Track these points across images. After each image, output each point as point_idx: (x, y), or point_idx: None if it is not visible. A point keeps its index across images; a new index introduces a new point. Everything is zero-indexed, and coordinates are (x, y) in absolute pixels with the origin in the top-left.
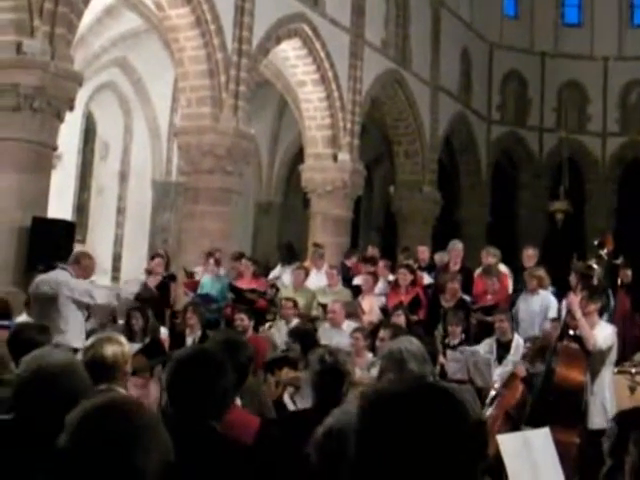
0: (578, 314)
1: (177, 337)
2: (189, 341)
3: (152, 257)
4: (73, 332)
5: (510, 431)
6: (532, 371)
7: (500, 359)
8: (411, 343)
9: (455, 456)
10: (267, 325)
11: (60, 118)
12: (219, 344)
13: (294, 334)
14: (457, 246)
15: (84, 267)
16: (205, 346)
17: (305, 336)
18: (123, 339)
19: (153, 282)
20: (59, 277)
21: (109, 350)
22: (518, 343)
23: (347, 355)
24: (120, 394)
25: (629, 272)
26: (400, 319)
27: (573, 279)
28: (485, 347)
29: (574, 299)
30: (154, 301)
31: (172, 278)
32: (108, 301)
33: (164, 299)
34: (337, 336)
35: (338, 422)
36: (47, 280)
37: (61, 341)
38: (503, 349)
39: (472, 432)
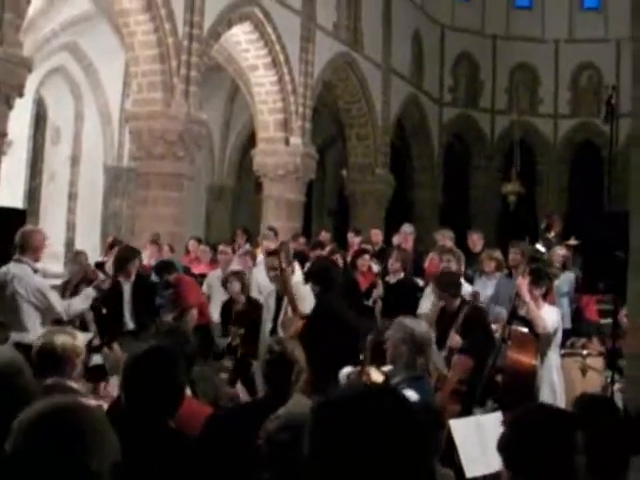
0: (527, 297)
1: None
2: (126, 288)
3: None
4: (34, 329)
5: (461, 409)
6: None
7: None
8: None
9: (404, 458)
10: None
11: (9, 105)
12: (164, 335)
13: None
14: (406, 230)
15: (36, 247)
16: (160, 343)
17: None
18: (78, 334)
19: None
20: (14, 271)
21: (59, 340)
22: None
23: (295, 344)
24: (66, 397)
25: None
26: None
27: (513, 258)
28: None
29: (523, 283)
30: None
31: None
32: (62, 310)
33: None
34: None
35: (290, 414)
36: (3, 275)
37: (20, 339)
38: None
39: (419, 434)
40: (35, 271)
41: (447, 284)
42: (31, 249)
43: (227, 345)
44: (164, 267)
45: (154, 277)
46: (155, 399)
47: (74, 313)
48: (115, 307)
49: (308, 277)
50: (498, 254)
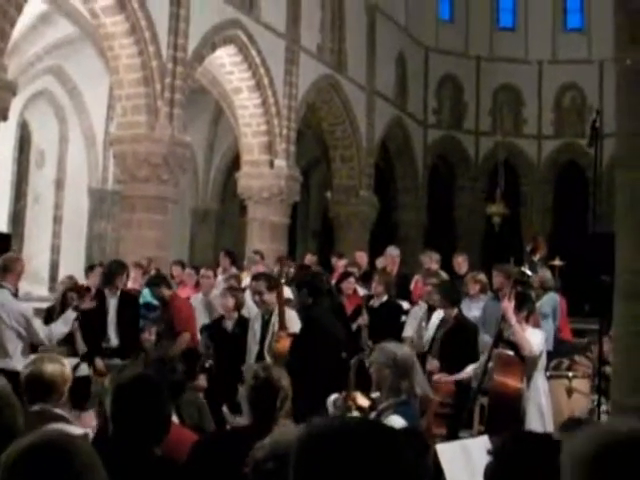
0: (513, 320)
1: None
2: (112, 302)
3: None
4: (15, 355)
5: (448, 432)
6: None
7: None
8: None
9: None
10: None
11: None
12: (153, 364)
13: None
14: (392, 252)
15: (18, 273)
16: (145, 372)
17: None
18: (65, 361)
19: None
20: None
21: (48, 368)
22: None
23: (281, 370)
24: (55, 431)
25: None
26: None
27: (498, 281)
28: (417, 314)
29: (508, 306)
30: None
31: None
32: (44, 336)
33: None
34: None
35: (276, 442)
36: None
37: (4, 365)
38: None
39: (406, 466)
40: (15, 296)
41: (447, 292)
42: (13, 274)
43: (200, 365)
44: (160, 280)
45: (145, 295)
46: (141, 428)
47: (56, 338)
48: (98, 320)
49: (298, 287)
50: (482, 276)
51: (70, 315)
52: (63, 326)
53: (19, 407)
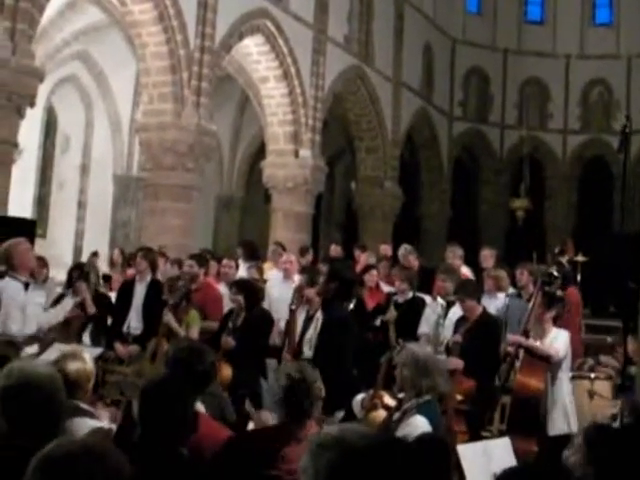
0: (522, 342)
1: (128, 284)
2: (139, 288)
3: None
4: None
5: (469, 430)
6: None
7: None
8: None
9: None
10: None
11: (20, 114)
12: (181, 352)
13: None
14: (403, 252)
15: (21, 262)
16: (170, 376)
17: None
18: (87, 356)
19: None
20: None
21: (73, 367)
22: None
23: (314, 371)
24: (91, 438)
25: None
26: None
27: (522, 279)
28: (433, 311)
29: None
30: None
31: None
32: (19, 320)
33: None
34: (286, 288)
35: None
36: None
37: None
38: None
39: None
40: (27, 285)
41: (468, 288)
42: (23, 266)
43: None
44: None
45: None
46: (167, 430)
47: (47, 325)
48: (121, 306)
49: (331, 278)
50: (498, 272)
51: (67, 303)
52: (61, 310)
53: (64, 392)
